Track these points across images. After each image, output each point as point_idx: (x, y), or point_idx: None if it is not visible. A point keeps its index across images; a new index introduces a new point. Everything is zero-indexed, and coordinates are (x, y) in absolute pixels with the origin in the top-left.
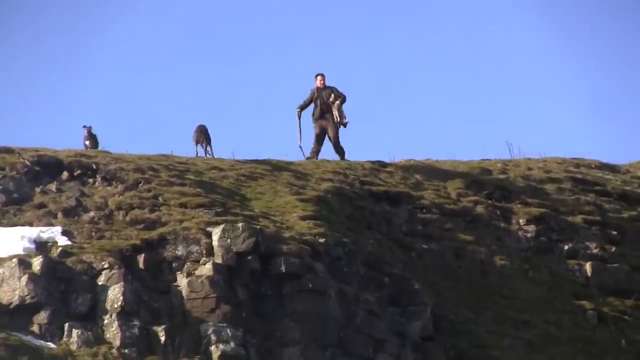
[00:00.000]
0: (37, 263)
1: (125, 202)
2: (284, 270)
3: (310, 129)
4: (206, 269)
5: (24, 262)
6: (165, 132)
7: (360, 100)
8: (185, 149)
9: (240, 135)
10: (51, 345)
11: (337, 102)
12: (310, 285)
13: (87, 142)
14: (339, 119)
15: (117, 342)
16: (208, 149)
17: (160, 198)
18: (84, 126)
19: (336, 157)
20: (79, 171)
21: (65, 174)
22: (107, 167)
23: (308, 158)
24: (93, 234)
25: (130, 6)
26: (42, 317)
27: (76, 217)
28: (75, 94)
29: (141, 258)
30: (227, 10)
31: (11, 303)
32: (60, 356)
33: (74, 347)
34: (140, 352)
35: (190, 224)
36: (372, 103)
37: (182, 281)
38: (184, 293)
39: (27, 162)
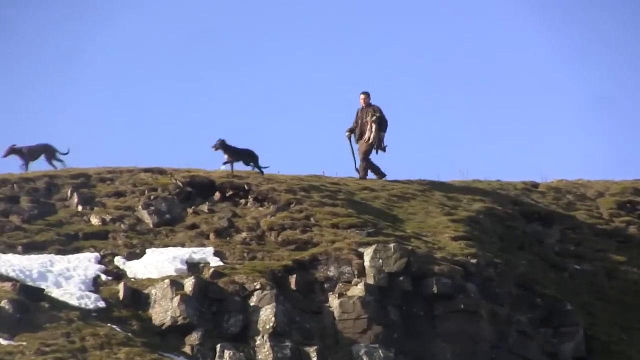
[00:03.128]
0: (189, 284)
1: (277, 223)
2: (435, 291)
3: None
4: (358, 290)
5: (176, 283)
6: (317, 152)
7: (513, 120)
8: (336, 169)
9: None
10: None
11: (373, 122)
12: (462, 305)
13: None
14: (371, 140)
15: None
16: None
17: (312, 219)
18: None
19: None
20: (230, 192)
21: (217, 195)
22: (259, 187)
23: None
24: (245, 254)
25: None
26: (194, 337)
27: (228, 238)
28: (221, 114)
29: (293, 279)
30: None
31: (163, 324)
32: None
33: None
34: None
35: (342, 245)
36: (524, 122)
37: (333, 302)
38: (336, 314)
39: (180, 183)
